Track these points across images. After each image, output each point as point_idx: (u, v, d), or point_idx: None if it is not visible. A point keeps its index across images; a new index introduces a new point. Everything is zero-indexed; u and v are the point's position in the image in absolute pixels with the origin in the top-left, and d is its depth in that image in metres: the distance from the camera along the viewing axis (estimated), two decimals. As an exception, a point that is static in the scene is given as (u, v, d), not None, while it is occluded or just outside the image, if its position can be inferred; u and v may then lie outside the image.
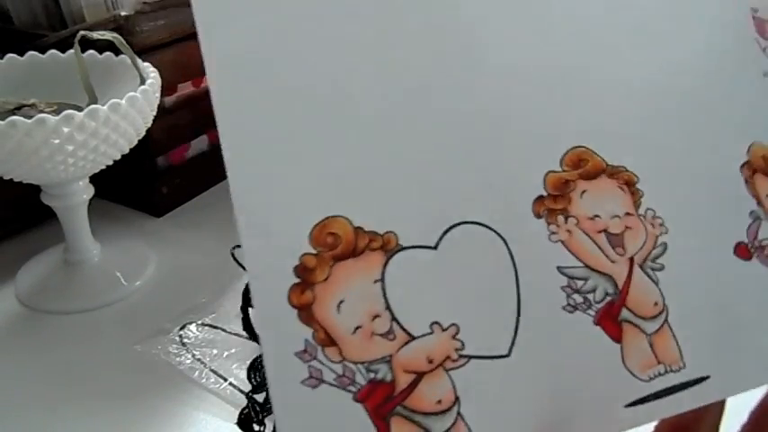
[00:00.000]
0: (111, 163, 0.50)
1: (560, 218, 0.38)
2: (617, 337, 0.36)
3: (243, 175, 0.33)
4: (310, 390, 0.31)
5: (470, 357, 0.33)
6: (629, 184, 0.40)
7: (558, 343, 0.35)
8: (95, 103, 0.50)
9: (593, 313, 0.36)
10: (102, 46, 0.55)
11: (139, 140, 0.50)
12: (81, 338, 0.51)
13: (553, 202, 0.38)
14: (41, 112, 0.49)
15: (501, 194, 0.37)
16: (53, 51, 0.58)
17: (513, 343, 0.34)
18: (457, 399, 0.33)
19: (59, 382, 0.45)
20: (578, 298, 0.36)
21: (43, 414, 0.43)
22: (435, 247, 0.35)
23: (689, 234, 0.39)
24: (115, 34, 0.53)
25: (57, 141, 0.45)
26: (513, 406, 0.33)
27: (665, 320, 0.37)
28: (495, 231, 0.36)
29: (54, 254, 0.58)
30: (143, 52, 0.68)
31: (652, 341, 0.37)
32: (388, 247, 0.34)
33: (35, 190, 0.53)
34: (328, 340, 0.32)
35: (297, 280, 0.32)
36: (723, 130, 0.43)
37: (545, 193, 0.38)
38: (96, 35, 0.53)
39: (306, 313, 0.32)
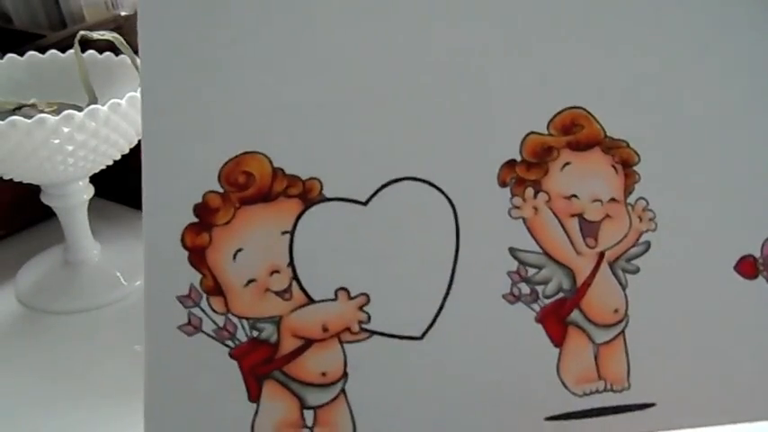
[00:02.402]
0: (111, 163, 0.50)
1: (529, 191, 0.32)
2: (558, 341, 0.31)
3: (154, 102, 0.29)
4: (185, 336, 0.29)
5: (374, 333, 0.30)
6: (626, 164, 0.33)
7: (484, 335, 0.31)
8: (95, 103, 0.50)
9: (537, 308, 0.31)
10: (102, 46, 0.54)
11: (139, 140, 0.49)
12: (81, 338, 0.51)
13: (525, 171, 0.32)
14: (41, 112, 0.49)
15: (462, 152, 0.32)
16: (53, 51, 0.56)
17: (430, 326, 0.30)
18: (345, 374, 0.30)
19: (59, 382, 0.46)
20: (525, 288, 0.31)
21: (43, 414, 0.44)
22: (365, 203, 0.31)
23: (682, 236, 0.33)
24: (115, 34, 0.52)
25: (57, 141, 0.45)
26: (408, 396, 0.30)
27: (622, 332, 0.32)
28: (443, 194, 0.31)
29: (54, 254, 0.58)
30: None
31: (598, 352, 0.32)
32: (309, 195, 0.30)
33: (35, 190, 0.53)
34: (215, 289, 0.29)
35: (195, 220, 0.29)
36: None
37: (518, 158, 0.32)
38: (96, 35, 0.52)
39: (197, 256, 0.29)
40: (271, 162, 0.30)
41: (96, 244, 0.55)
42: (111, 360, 0.47)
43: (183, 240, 0.29)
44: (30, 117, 0.44)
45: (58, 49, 0.56)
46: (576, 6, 0.33)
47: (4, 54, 0.56)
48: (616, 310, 0.32)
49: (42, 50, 0.56)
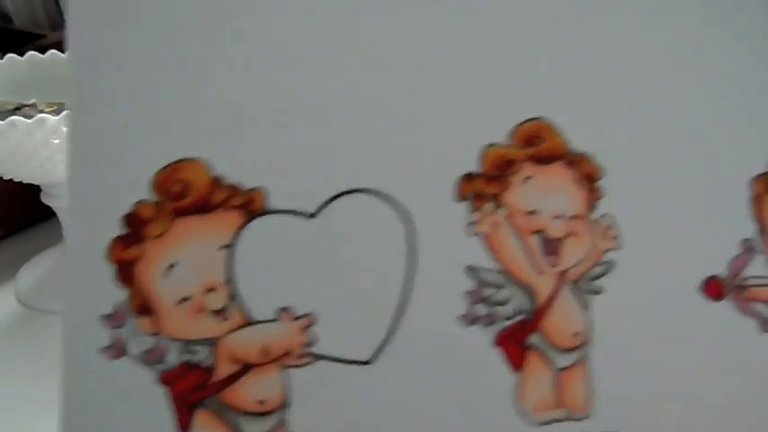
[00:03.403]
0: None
1: (489, 205, 0.30)
2: (517, 365, 0.29)
3: (81, 100, 0.27)
4: (108, 360, 0.26)
5: (319, 357, 0.28)
6: (590, 179, 0.31)
7: (439, 359, 0.29)
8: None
9: (495, 331, 0.29)
10: (102, 45, 0.54)
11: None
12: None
13: (485, 184, 0.30)
14: (41, 112, 0.50)
15: (419, 164, 0.30)
16: (53, 51, 0.57)
17: (380, 349, 0.28)
18: (285, 402, 0.27)
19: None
20: (482, 309, 0.29)
21: (43, 413, 0.42)
22: (313, 216, 0.28)
23: (647, 255, 0.31)
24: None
25: (57, 141, 0.46)
26: (354, 426, 0.28)
27: (583, 356, 0.30)
28: (398, 207, 0.29)
29: (54, 254, 0.58)
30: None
31: (559, 378, 0.30)
32: (252, 206, 0.28)
33: (35, 190, 0.53)
34: (144, 308, 0.26)
35: (123, 231, 0.26)
36: (738, 128, 0.34)
37: (478, 171, 0.30)
38: None
39: (125, 272, 0.26)
40: (210, 170, 0.27)
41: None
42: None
43: (108, 254, 0.26)
44: (30, 117, 0.44)
45: (58, 50, 0.55)
46: (540, 14, 0.32)
47: (4, 54, 0.56)
48: (577, 333, 0.30)
49: (42, 50, 0.56)
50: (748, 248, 0.33)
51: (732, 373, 0.31)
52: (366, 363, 0.28)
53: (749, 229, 0.33)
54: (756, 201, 0.33)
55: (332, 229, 0.28)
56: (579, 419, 0.29)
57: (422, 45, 0.30)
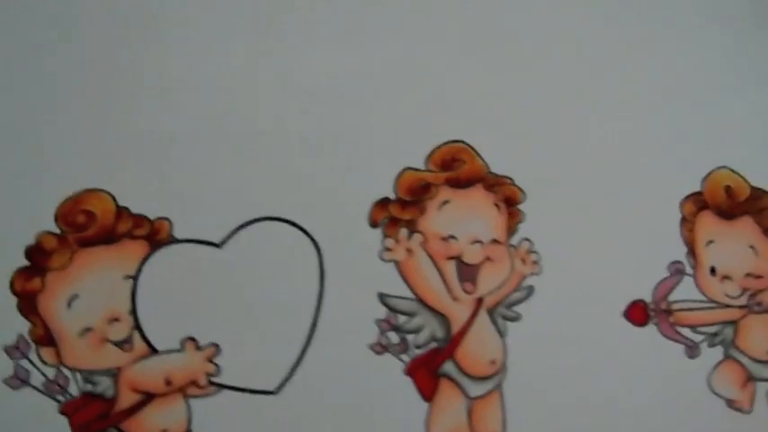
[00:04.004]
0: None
1: (403, 231, 0.30)
2: (428, 395, 0.29)
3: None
4: (10, 390, 0.26)
5: (223, 387, 0.28)
6: (510, 202, 0.31)
7: (348, 388, 0.29)
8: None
9: (407, 360, 0.29)
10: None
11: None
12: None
13: (400, 210, 0.30)
14: None
15: (330, 190, 0.30)
16: None
17: (286, 378, 0.28)
18: (189, 433, 0.27)
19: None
20: (394, 337, 0.29)
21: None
22: (220, 245, 0.28)
23: (568, 280, 0.31)
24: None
25: None
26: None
27: (498, 384, 0.30)
28: (307, 235, 0.29)
29: None
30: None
31: (472, 407, 0.30)
32: (157, 236, 0.28)
33: None
34: (47, 339, 0.27)
35: (26, 263, 0.27)
36: (669, 148, 0.33)
37: (392, 196, 0.30)
38: None
39: (27, 303, 0.27)
40: (114, 200, 0.27)
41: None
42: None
43: (11, 285, 0.27)
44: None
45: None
46: (458, 39, 0.31)
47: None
48: (493, 362, 0.30)
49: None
50: (676, 271, 0.32)
51: (658, 401, 0.31)
52: (271, 393, 0.28)
53: (678, 251, 0.32)
54: (686, 222, 0.32)
55: (239, 258, 0.28)
56: (492, 449, 0.29)
57: (334, 71, 0.30)
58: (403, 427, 0.29)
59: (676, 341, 0.31)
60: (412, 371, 0.29)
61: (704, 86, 0.34)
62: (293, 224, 0.29)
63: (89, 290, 0.27)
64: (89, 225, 0.27)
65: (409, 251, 0.30)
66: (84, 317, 0.27)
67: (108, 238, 0.27)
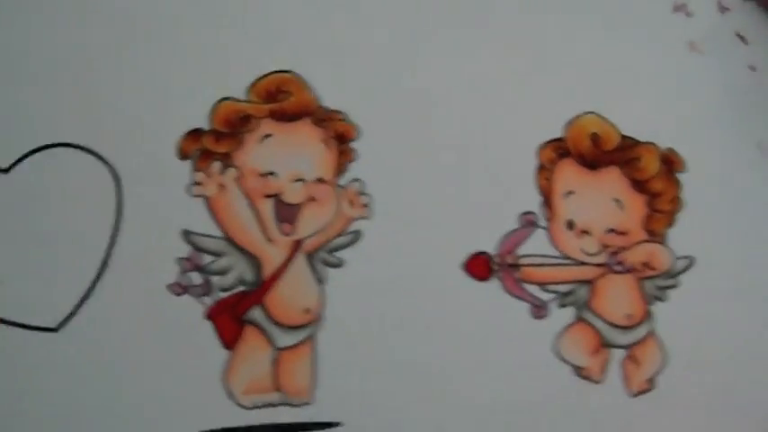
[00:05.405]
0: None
1: (216, 165, 0.27)
2: (229, 342, 0.26)
3: None
4: None
5: (2, 322, 0.25)
6: (342, 139, 0.28)
7: (140, 331, 0.26)
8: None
9: (208, 302, 0.27)
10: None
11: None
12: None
13: (214, 142, 0.27)
14: None
15: (134, 118, 0.27)
16: None
17: (70, 316, 0.26)
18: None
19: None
20: (197, 278, 0.27)
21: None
22: (7, 171, 0.26)
23: (401, 227, 0.28)
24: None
25: None
26: (40, 396, 0.25)
27: (311, 336, 0.27)
28: (106, 163, 0.27)
29: None
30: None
31: (278, 358, 0.27)
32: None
33: None
34: None
35: None
36: (528, 90, 0.30)
37: (208, 128, 0.28)
38: None
39: None
40: None
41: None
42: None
43: None
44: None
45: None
46: None
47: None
48: (307, 310, 0.27)
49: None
50: (527, 223, 0.29)
51: (496, 364, 0.28)
52: (53, 330, 0.26)
53: (532, 201, 0.29)
54: (544, 170, 0.29)
55: (27, 186, 0.26)
56: (297, 405, 0.26)
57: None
58: (199, 375, 0.26)
59: (521, 299, 0.28)
60: (213, 315, 0.26)
61: (574, 25, 0.31)
62: (90, 151, 0.27)
63: None
64: None
65: (221, 187, 0.27)
66: None
67: None
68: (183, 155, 0.27)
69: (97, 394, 0.25)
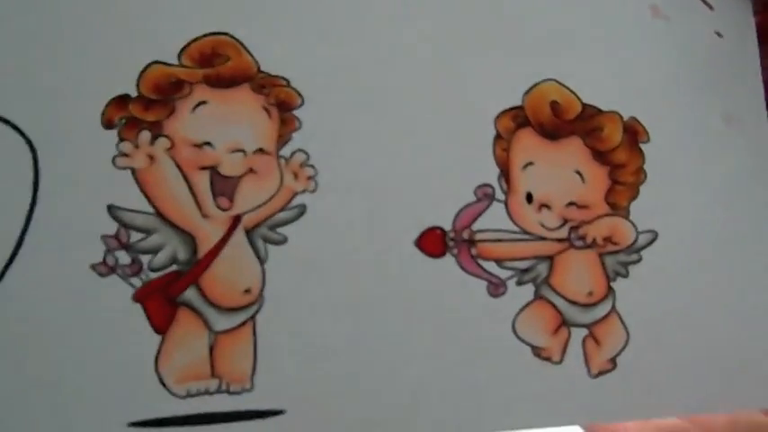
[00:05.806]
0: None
1: (145, 134, 0.25)
2: (161, 326, 0.24)
3: None
4: None
5: None
6: (284, 107, 0.26)
7: (61, 314, 0.24)
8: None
9: (137, 283, 0.25)
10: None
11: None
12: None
13: (142, 110, 0.25)
14: None
15: (51, 84, 0.24)
16: None
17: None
18: None
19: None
20: (124, 257, 0.24)
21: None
22: None
23: (349, 201, 0.26)
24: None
25: None
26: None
27: (251, 318, 0.25)
28: (21, 133, 0.24)
29: None
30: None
31: (216, 342, 0.25)
32: None
33: None
34: None
35: None
36: (486, 56, 0.28)
37: (133, 94, 0.25)
38: None
39: None
40: None
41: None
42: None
43: None
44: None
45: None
46: None
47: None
48: (247, 290, 0.25)
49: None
50: (484, 196, 0.27)
51: (451, 344, 0.26)
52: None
53: (489, 173, 0.27)
54: (501, 140, 0.28)
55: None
56: (238, 393, 0.24)
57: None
58: (128, 362, 0.24)
59: (477, 276, 0.27)
60: (142, 297, 0.24)
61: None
62: (4, 120, 0.24)
63: None
64: None
65: (151, 158, 0.25)
66: None
67: None
68: (108, 124, 0.25)
69: (14, 386, 0.23)
